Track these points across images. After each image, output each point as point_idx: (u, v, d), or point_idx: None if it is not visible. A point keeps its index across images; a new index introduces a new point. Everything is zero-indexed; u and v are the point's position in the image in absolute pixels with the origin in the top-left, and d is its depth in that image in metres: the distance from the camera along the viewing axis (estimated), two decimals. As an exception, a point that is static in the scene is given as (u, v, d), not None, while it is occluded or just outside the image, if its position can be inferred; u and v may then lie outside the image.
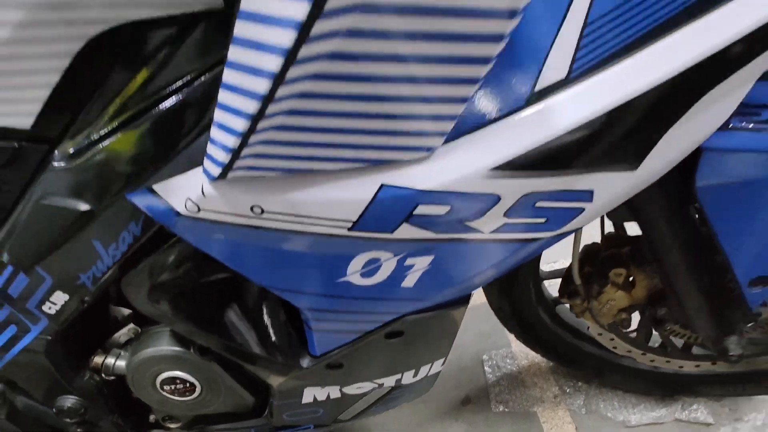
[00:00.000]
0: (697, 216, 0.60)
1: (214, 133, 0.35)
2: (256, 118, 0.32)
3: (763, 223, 0.54)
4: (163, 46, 0.41)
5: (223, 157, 0.35)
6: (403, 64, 0.32)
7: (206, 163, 0.38)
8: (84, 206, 0.48)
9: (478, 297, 0.77)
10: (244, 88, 0.31)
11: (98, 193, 0.48)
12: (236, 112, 0.32)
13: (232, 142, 0.34)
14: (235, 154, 0.35)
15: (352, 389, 0.67)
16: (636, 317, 0.83)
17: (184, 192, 0.42)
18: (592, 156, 0.41)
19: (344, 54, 0.30)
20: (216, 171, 0.37)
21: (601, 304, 0.78)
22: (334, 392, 0.67)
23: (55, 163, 0.46)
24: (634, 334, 0.86)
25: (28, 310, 0.56)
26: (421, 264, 0.48)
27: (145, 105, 0.44)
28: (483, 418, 1.01)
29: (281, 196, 0.41)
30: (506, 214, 0.44)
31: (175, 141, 0.45)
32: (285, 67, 0.28)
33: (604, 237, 0.79)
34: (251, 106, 0.31)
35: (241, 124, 0.32)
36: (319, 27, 0.27)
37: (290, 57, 0.28)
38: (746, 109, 0.48)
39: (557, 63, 0.38)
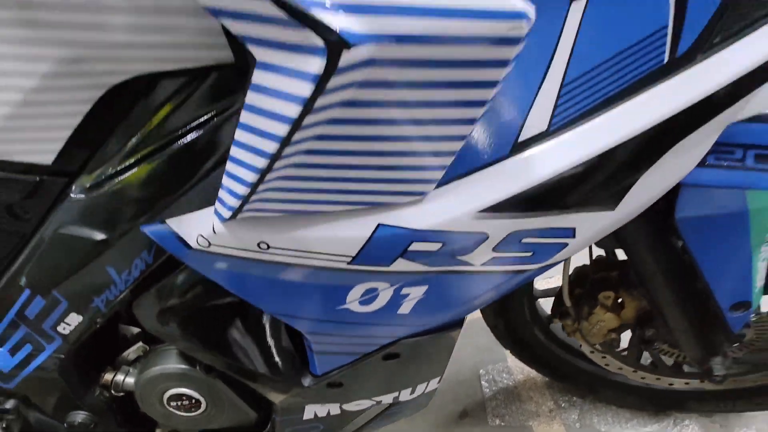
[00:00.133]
0: (680, 244, 0.62)
1: (226, 181, 0.38)
2: (264, 172, 0.34)
3: (740, 253, 0.57)
4: (177, 92, 0.43)
5: (234, 202, 0.38)
6: (409, 109, 0.35)
7: (218, 206, 0.40)
8: (99, 235, 0.50)
9: (476, 312, 0.78)
10: (254, 147, 0.34)
11: (113, 224, 0.49)
12: (246, 166, 0.35)
13: (242, 190, 0.37)
14: (245, 200, 0.37)
15: (351, 406, 0.69)
16: (626, 336, 0.84)
17: (196, 228, 0.44)
18: (572, 199, 0.44)
19: (356, 101, 0.33)
20: (227, 214, 0.40)
21: (591, 325, 0.80)
22: (334, 409, 0.69)
23: (73, 195, 0.48)
24: (625, 353, 0.87)
25: (43, 331, 0.57)
26: (416, 293, 0.50)
27: (158, 144, 0.46)
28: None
29: (286, 234, 0.43)
30: (495, 249, 0.46)
31: (187, 177, 0.47)
32: (291, 133, 0.31)
33: (593, 261, 0.81)
34: (260, 162, 0.34)
35: (250, 176, 0.35)
36: (321, 102, 0.30)
37: (294, 126, 0.31)
38: (722, 148, 0.51)
39: (538, 117, 0.41)
